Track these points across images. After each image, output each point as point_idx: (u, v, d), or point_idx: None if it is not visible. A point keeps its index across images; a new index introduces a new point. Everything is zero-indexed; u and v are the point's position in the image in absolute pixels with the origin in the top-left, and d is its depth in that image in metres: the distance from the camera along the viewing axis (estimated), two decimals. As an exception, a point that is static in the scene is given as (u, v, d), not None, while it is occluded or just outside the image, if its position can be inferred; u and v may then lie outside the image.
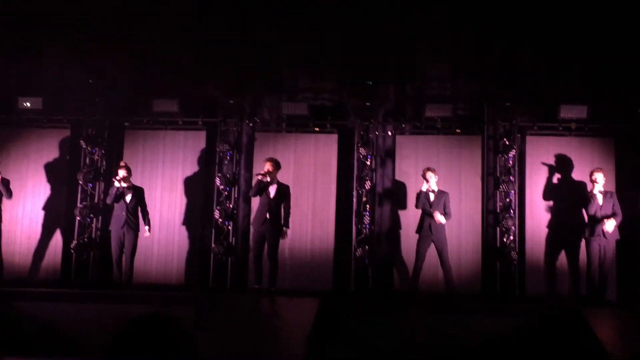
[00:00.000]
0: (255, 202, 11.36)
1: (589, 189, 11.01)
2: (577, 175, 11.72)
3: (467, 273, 11.69)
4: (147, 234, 11.33)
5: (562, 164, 11.91)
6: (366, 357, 9.00)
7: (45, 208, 12.42)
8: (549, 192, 11.86)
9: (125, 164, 11.39)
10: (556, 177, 11.90)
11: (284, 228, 10.76)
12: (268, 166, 10.78)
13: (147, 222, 11.32)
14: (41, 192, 12.45)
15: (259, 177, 10.71)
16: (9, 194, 11.33)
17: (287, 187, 10.94)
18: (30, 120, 12.51)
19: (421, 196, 11.06)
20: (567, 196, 11.62)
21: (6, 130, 12.57)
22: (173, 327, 2.07)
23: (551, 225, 11.74)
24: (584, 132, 11.93)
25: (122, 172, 11.15)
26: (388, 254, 12.07)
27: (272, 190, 10.78)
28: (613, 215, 10.63)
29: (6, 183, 11.34)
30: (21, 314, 9.79)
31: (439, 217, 10.92)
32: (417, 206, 11.14)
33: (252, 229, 11.15)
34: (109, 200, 11.22)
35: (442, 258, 10.98)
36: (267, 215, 10.68)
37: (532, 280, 11.66)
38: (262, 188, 10.74)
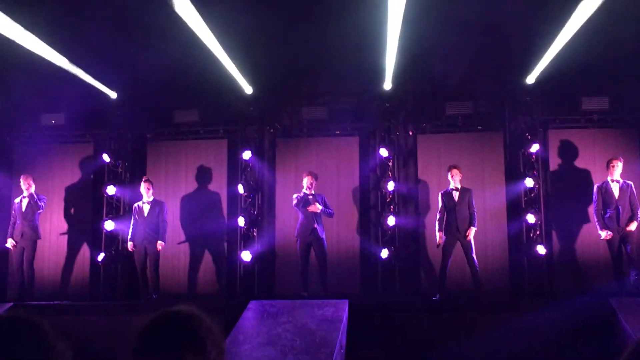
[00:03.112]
0: (281, 207, 11.57)
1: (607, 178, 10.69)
2: (600, 167, 11.57)
3: (494, 270, 11.61)
4: (159, 248, 11.26)
5: (585, 157, 11.81)
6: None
7: (71, 222, 12.54)
8: (571, 185, 11.77)
9: (148, 178, 11.51)
10: (578, 170, 11.80)
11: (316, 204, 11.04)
12: (309, 180, 11.04)
13: (162, 236, 11.33)
14: (67, 207, 12.56)
15: (304, 194, 10.99)
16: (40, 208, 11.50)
17: (322, 196, 11.21)
18: (54, 136, 12.67)
19: (444, 196, 10.93)
20: (586, 189, 11.43)
21: (31, 147, 12.71)
22: (197, 322, 2.06)
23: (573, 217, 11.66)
24: (607, 124, 11.83)
25: (145, 186, 11.31)
26: (414, 254, 12.02)
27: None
28: (632, 215, 10.46)
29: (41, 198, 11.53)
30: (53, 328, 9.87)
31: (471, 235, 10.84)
32: (440, 211, 11.02)
33: (298, 241, 11.21)
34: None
35: (469, 256, 10.89)
36: (315, 225, 10.94)
37: (561, 274, 11.56)
38: (307, 201, 10.98)
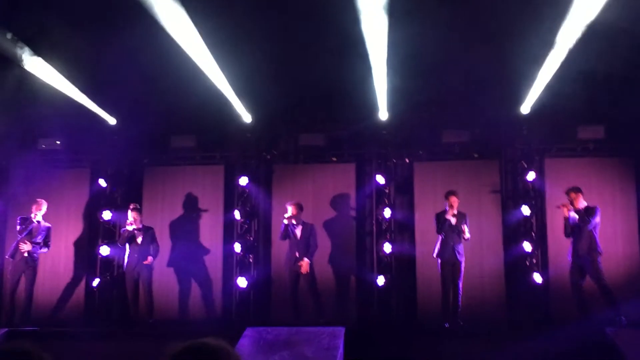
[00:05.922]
0: (277, 233, 11.57)
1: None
2: (596, 196, 11.54)
3: (492, 297, 11.58)
4: (148, 261, 11.19)
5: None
6: None
7: (67, 247, 12.47)
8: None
9: (135, 206, 11.44)
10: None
11: (304, 259, 10.89)
12: (292, 210, 11.01)
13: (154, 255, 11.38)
14: (63, 232, 12.49)
15: (285, 222, 10.97)
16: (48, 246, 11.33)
17: (311, 226, 11.18)
18: (51, 160, 12.62)
19: (441, 219, 10.88)
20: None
21: (29, 170, 12.63)
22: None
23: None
24: (602, 153, 11.85)
25: (132, 215, 11.21)
26: (410, 281, 11.98)
27: (298, 231, 11.00)
28: None
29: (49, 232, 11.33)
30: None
31: (467, 233, 10.75)
32: (438, 231, 10.92)
33: (287, 270, 11.22)
34: (120, 243, 11.33)
35: (455, 282, 10.83)
36: (297, 255, 10.92)
37: (558, 303, 11.50)
38: (288, 231, 11.00)
